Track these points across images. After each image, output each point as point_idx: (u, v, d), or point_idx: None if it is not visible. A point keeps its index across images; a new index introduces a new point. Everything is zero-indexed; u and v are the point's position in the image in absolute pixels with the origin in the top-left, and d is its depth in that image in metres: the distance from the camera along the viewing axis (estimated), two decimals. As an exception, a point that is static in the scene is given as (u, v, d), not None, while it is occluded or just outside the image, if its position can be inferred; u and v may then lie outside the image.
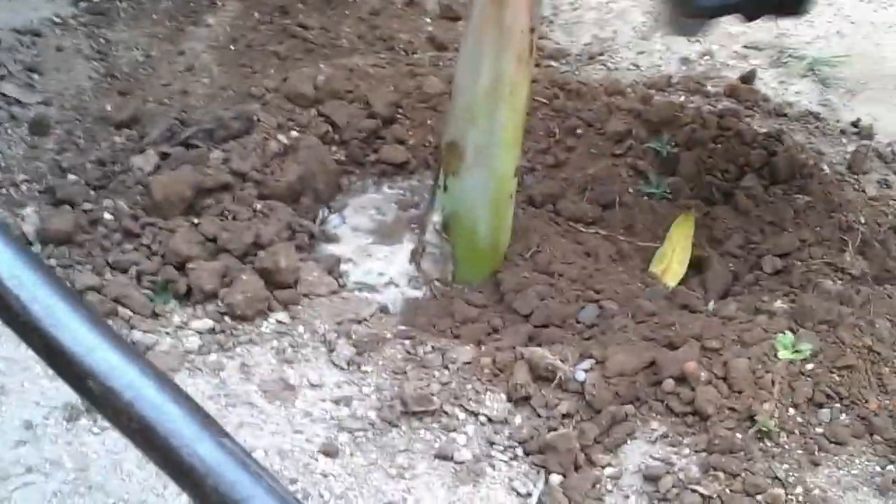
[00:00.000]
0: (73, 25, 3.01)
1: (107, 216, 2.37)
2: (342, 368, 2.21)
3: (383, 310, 2.39)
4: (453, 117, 2.40)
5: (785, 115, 3.06)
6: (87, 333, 1.15)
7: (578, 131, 2.86)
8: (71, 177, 2.47)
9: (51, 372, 2.00)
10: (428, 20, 3.36)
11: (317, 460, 2.04)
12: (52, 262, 2.28)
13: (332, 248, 2.53)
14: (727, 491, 1.99)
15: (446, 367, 2.24)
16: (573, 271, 2.51)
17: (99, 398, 1.15)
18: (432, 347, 2.29)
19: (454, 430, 2.14)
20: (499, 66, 2.27)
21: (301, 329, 2.27)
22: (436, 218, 2.46)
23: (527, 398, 2.20)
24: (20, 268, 1.16)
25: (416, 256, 2.52)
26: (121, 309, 2.21)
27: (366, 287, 2.47)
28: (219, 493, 1.12)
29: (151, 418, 1.13)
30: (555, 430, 2.13)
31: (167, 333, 2.21)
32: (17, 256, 1.16)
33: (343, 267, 2.50)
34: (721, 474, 2.01)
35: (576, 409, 2.16)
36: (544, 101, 2.90)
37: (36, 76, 2.77)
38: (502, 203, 2.46)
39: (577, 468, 2.07)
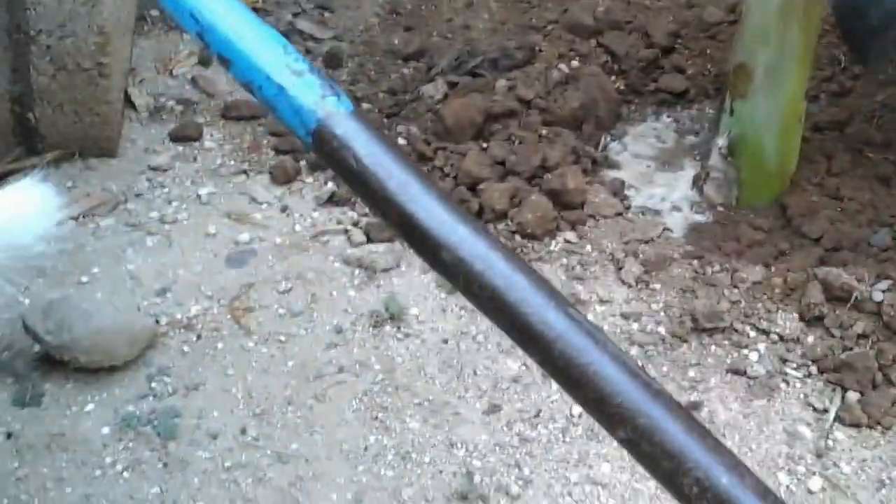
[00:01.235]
0: (359, -37, 3.13)
1: (401, 141, 2.47)
2: (631, 286, 2.23)
3: (668, 232, 2.40)
4: (743, 39, 2.38)
5: None
6: (439, 208, 1.21)
7: (866, 58, 2.77)
8: (365, 105, 2.57)
9: (356, 282, 2.12)
10: (701, -47, 3.31)
11: (609, 373, 2.07)
12: (352, 182, 2.37)
13: (614, 174, 2.55)
14: None
15: (735, 287, 2.24)
16: (863, 196, 2.45)
17: (451, 268, 1.21)
18: (721, 267, 2.28)
19: (746, 347, 2.14)
20: None
21: (589, 248, 2.31)
22: (721, 142, 2.44)
23: (820, 318, 2.17)
24: (376, 148, 1.23)
25: (698, 181, 2.51)
26: (417, 226, 2.29)
27: (649, 211, 2.48)
28: (566, 357, 1.17)
29: (501, 287, 1.19)
30: (850, 349, 2.10)
31: (460, 250, 2.28)
32: (373, 139, 1.23)
33: (626, 192, 2.51)
34: None
35: (872, 330, 2.12)
36: (828, 27, 2.82)
37: (327, 13, 2.89)
38: (791, 126, 2.42)
39: (874, 386, 2.04)
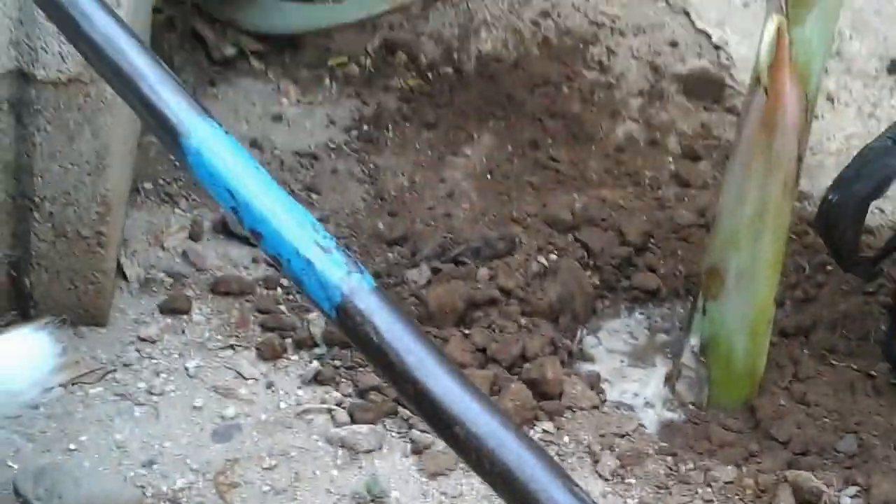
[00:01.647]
0: (346, 151, 3.24)
1: (384, 323, 2.52)
2: (607, 479, 2.28)
3: (642, 428, 2.46)
4: (715, 242, 2.49)
5: None
6: (454, 384, 1.27)
7: (829, 268, 2.90)
8: (350, 286, 2.63)
9: (339, 462, 2.15)
10: (670, 158, 3.47)
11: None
12: (337, 362, 2.43)
13: (589, 367, 2.62)
14: None
15: (709, 486, 2.29)
16: (829, 402, 2.53)
17: (464, 443, 1.26)
18: (694, 465, 2.34)
19: (717, 548, 2.18)
20: (765, 191, 2.36)
21: (566, 439, 2.36)
22: (693, 341, 2.52)
23: (790, 522, 2.22)
24: (397, 324, 1.29)
25: (670, 379, 2.58)
26: (400, 409, 2.35)
27: (623, 406, 2.54)
28: (573, 536, 1.21)
29: (513, 464, 1.24)
30: (818, 556, 2.15)
31: (441, 434, 2.32)
32: (393, 316, 1.30)
33: (601, 385, 2.58)
34: None
35: (840, 537, 2.17)
36: (793, 236, 2.95)
37: (314, 195, 2.98)
38: (761, 329, 2.51)
39: None
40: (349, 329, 1.30)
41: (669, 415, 2.53)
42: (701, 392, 2.53)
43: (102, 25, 1.42)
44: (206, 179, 1.36)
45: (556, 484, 1.22)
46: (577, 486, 1.24)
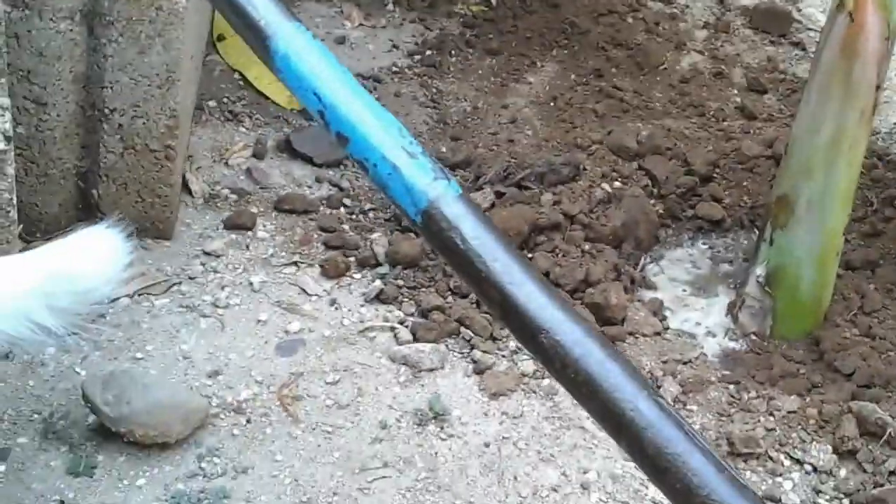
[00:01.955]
0: (409, 75, 3.22)
1: (448, 246, 2.51)
2: (669, 405, 2.26)
3: (703, 356, 2.44)
4: (787, 170, 2.46)
5: None
6: (539, 293, 1.26)
7: (897, 202, 2.86)
8: (413, 208, 2.63)
9: (401, 379, 2.16)
10: (735, 91, 3.43)
11: (647, 487, 2.10)
12: (400, 282, 2.43)
13: (651, 295, 2.60)
14: None
15: (771, 414, 2.28)
16: (895, 336, 2.50)
17: (548, 351, 1.25)
18: (757, 394, 2.33)
19: (780, 476, 2.18)
20: (842, 120, 2.32)
21: (629, 364, 2.34)
22: (759, 271, 2.50)
23: (853, 452, 2.21)
24: (482, 231, 1.28)
25: (733, 309, 2.56)
26: (462, 329, 2.34)
27: (685, 334, 2.53)
28: (656, 446, 1.21)
29: (597, 373, 1.23)
30: (881, 486, 2.13)
31: (503, 356, 2.33)
32: (479, 223, 1.29)
33: (664, 313, 2.56)
34: None
35: (904, 467, 2.16)
36: (862, 170, 2.91)
37: (378, 119, 2.97)
38: (829, 260, 2.48)
39: (905, 522, 2.07)
40: (434, 235, 1.29)
41: (731, 344, 2.51)
42: (764, 322, 2.51)
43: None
44: (293, 82, 1.35)
45: (641, 394, 1.21)
46: (661, 396, 1.23)
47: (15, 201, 2.06)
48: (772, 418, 2.27)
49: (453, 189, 1.29)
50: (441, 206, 1.28)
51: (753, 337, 2.52)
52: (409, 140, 1.31)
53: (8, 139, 1.99)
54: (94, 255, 1.59)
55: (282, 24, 1.36)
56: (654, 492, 2.09)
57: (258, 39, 1.37)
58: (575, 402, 2.22)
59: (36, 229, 2.38)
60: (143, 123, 2.32)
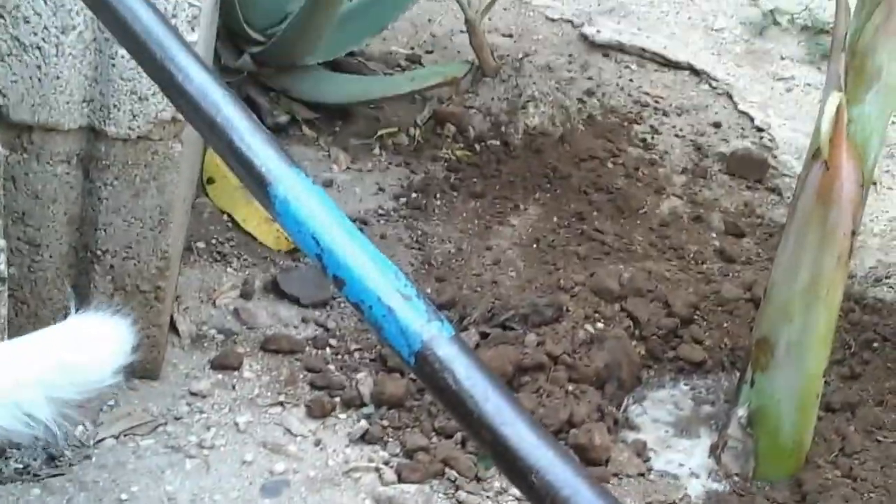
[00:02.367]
0: (395, 217, 3.29)
1: (434, 386, 2.54)
2: (653, 547, 2.27)
3: (687, 497, 2.45)
4: (766, 314, 2.50)
5: None
6: (530, 433, 1.28)
7: (875, 345, 2.91)
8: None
9: None
10: (714, 235, 3.51)
11: None
12: (385, 422, 2.45)
13: (634, 436, 2.62)
14: None
15: (756, 557, 2.28)
16: (876, 478, 2.52)
17: (539, 491, 1.27)
18: (741, 536, 2.33)
19: None
20: (819, 265, 2.38)
21: (613, 506, 2.35)
22: (741, 412, 2.53)
23: None
24: (474, 372, 1.31)
25: (716, 450, 2.58)
26: (447, 469, 2.35)
27: (668, 475, 2.54)
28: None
29: (587, 513, 1.24)
30: None
31: (488, 497, 2.33)
32: (471, 364, 1.32)
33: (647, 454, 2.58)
34: None
35: None
36: (840, 313, 2.96)
37: (363, 260, 3.01)
38: (809, 402, 2.51)
39: None
40: (427, 376, 1.32)
41: (715, 485, 2.53)
42: (747, 463, 2.53)
43: (197, 79, 1.47)
44: (292, 226, 1.39)
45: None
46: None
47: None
48: (757, 561, 2.27)
49: (447, 330, 1.32)
50: (434, 347, 1.31)
51: (736, 478, 2.53)
52: (405, 283, 1.35)
53: (3, 280, 2.02)
54: (97, 343, 1.57)
55: (282, 170, 1.41)
56: None
57: (258, 185, 1.42)
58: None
59: (24, 369, 2.39)
60: (135, 265, 2.36)
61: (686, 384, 2.84)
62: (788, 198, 3.79)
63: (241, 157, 1.43)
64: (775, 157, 4.13)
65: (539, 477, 1.27)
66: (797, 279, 2.41)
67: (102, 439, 2.28)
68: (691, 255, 3.33)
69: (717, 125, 4.27)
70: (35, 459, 2.19)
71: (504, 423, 1.29)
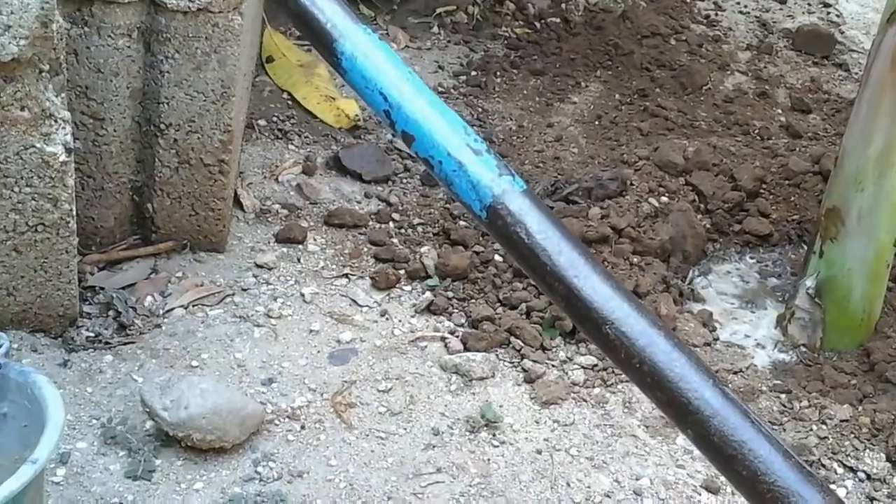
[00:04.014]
0: (455, 95, 3.26)
1: (497, 258, 2.54)
2: (720, 414, 2.27)
3: (754, 367, 2.45)
4: (837, 182, 2.46)
5: None
6: (604, 285, 1.28)
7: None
8: (461, 222, 2.66)
9: (453, 388, 2.17)
10: (779, 111, 3.46)
11: (699, 494, 2.11)
12: (450, 294, 2.45)
13: (699, 307, 2.61)
14: None
15: (824, 423, 2.28)
16: (949, 347, 2.50)
17: (613, 342, 1.27)
18: (808, 403, 2.33)
19: (833, 483, 2.17)
20: (892, 131, 2.33)
21: (679, 374, 2.35)
22: (809, 283, 2.50)
23: (906, 460, 2.21)
24: (547, 225, 1.30)
25: (783, 321, 2.57)
26: (513, 339, 2.36)
27: (734, 346, 2.53)
28: (722, 434, 1.22)
29: (662, 363, 1.25)
30: (936, 494, 2.13)
31: (554, 366, 2.34)
32: (544, 217, 1.31)
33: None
34: None
35: (960, 475, 2.15)
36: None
37: (425, 136, 3.00)
38: (880, 272, 2.48)
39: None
40: (499, 230, 1.31)
41: (781, 356, 2.51)
42: (814, 334, 2.51)
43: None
44: (359, 82, 1.38)
45: (706, 383, 1.23)
46: (726, 386, 1.25)
47: (75, 212, 2.10)
48: (824, 427, 2.27)
49: (518, 185, 1.31)
50: (506, 201, 1.30)
51: (803, 349, 2.52)
52: (474, 138, 1.34)
53: (69, 151, 2.03)
54: None
55: (348, 27, 1.40)
56: (706, 498, 2.10)
57: (325, 42, 1.40)
58: (626, 410, 2.24)
59: (91, 242, 2.42)
60: (198, 138, 2.36)
61: (752, 257, 2.82)
62: (856, 74, 3.71)
63: (307, 14, 1.41)
64: (843, 32, 4.05)
65: (613, 328, 1.27)
66: (870, 146, 2.36)
67: (171, 309, 2.31)
68: (757, 131, 3.28)
69: (782, 0, 4.19)
70: (106, 329, 2.22)
71: (578, 275, 1.29)
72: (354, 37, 1.39)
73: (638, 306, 1.27)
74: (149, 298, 2.32)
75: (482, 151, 1.33)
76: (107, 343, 2.19)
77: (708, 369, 1.25)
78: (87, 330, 2.22)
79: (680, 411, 1.23)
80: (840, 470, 2.20)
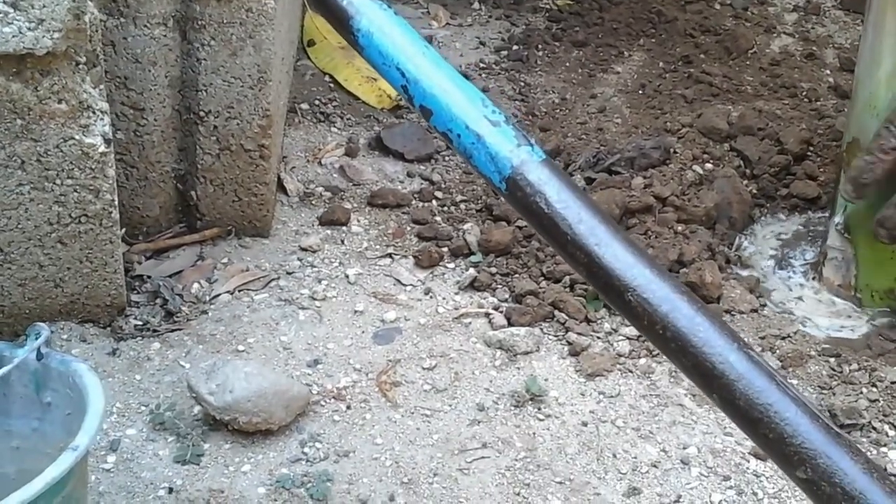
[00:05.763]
0: (496, 70, 3.26)
1: (541, 233, 2.53)
2: (768, 380, 2.25)
3: (802, 330, 2.42)
4: (853, 115, 2.45)
5: None
6: (625, 252, 1.28)
7: None
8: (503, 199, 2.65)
9: (497, 363, 2.18)
10: (828, 72, 3.41)
11: (748, 461, 2.09)
12: (493, 269, 2.46)
13: (747, 273, 2.59)
14: None
15: (874, 386, 2.25)
16: None
17: (636, 309, 1.26)
18: (858, 366, 2.30)
19: (884, 446, 2.14)
20: None
21: (726, 342, 2.33)
22: (838, 219, 2.48)
23: (960, 421, 2.17)
24: (567, 194, 1.30)
25: (817, 266, 2.54)
26: (557, 313, 2.36)
27: (782, 310, 2.50)
28: (747, 397, 1.21)
29: (686, 328, 1.24)
30: None
31: (598, 338, 2.33)
32: (563, 186, 1.31)
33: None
34: None
35: None
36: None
37: (466, 113, 3.00)
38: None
39: None
40: (519, 200, 1.31)
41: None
42: (848, 272, 2.48)
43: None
44: (377, 59, 1.38)
45: (731, 346, 1.22)
46: (752, 349, 1.24)
47: (117, 202, 2.12)
48: (875, 389, 2.24)
49: (537, 155, 1.31)
50: (525, 171, 1.30)
51: (839, 290, 2.48)
52: (492, 109, 1.33)
53: (108, 141, 2.06)
54: None
55: (364, 4, 1.40)
56: (755, 465, 2.08)
57: (342, 19, 1.41)
58: (673, 379, 2.23)
59: (138, 232, 2.45)
60: (238, 124, 2.38)
61: (800, 221, 2.79)
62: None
63: (322, -9, 1.42)
64: (892, -12, 3.97)
65: (635, 295, 1.26)
66: (880, 68, 2.34)
67: (218, 295, 2.34)
68: (804, 93, 3.24)
69: (829, -42, 4.12)
70: (154, 316, 2.25)
71: (598, 243, 1.28)
72: (370, 13, 1.39)
73: (660, 272, 1.26)
74: (195, 285, 2.35)
75: (500, 122, 1.33)
76: (154, 331, 2.22)
77: (733, 333, 1.24)
78: (136, 318, 2.25)
79: (705, 376, 1.23)
80: (891, 432, 2.17)
